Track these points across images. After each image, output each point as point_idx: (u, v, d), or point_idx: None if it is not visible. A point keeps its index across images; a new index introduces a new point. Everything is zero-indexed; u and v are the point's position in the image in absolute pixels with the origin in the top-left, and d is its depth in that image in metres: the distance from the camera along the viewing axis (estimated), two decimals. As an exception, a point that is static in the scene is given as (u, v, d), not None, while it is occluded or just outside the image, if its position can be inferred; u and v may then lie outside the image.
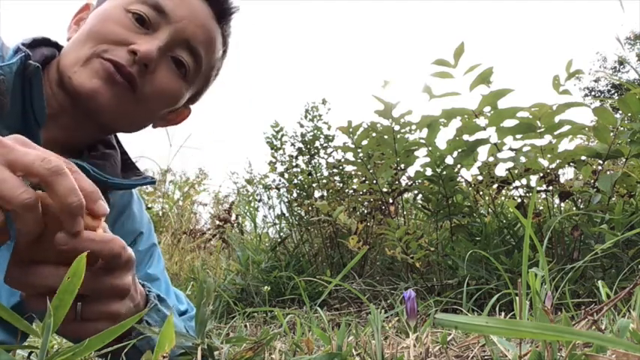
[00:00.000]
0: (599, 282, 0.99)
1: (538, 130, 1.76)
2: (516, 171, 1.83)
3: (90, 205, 0.49)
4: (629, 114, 1.65)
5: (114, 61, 0.73)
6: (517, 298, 0.71)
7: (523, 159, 1.80)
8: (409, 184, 2.17)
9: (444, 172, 1.94)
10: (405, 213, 2.39)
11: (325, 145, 3.10)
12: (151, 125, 0.88)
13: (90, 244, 0.48)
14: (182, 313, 0.89)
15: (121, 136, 0.91)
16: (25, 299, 0.51)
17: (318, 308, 1.28)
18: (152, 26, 0.77)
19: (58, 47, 0.81)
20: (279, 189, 3.04)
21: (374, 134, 2.03)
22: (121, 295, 0.56)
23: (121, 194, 0.89)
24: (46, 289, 0.48)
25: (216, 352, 0.65)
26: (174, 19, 0.77)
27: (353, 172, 2.60)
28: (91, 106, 0.74)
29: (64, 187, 0.46)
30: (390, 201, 2.17)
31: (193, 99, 0.90)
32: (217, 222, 3.41)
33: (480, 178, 1.95)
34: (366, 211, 2.40)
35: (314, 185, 2.82)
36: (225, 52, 0.88)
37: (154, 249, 0.94)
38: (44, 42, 0.79)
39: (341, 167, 2.77)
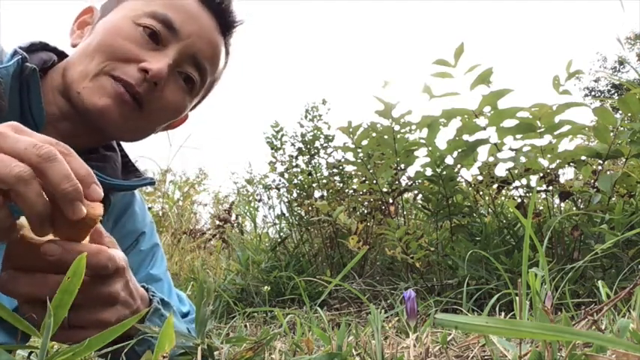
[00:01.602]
0: (599, 282, 0.99)
1: (538, 130, 1.76)
2: (516, 171, 1.83)
3: (83, 190, 0.47)
4: (629, 114, 1.65)
5: (124, 80, 0.73)
6: (517, 298, 0.71)
7: (523, 159, 1.80)
8: (409, 184, 2.17)
9: (444, 172, 1.94)
10: (405, 213, 2.39)
11: (325, 145, 3.11)
12: None
13: (77, 255, 0.45)
14: (184, 315, 0.88)
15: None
16: (20, 307, 0.51)
17: (318, 308, 1.28)
18: (162, 42, 0.77)
19: (56, 52, 0.81)
20: (279, 189, 3.04)
21: (374, 134, 2.03)
22: (109, 303, 0.55)
23: (122, 195, 0.89)
24: (35, 297, 0.48)
25: (216, 352, 0.65)
26: (183, 36, 0.77)
27: (353, 172, 2.60)
28: (99, 123, 0.75)
29: (56, 173, 0.44)
30: (390, 201, 2.17)
31: (192, 107, 0.92)
32: (217, 222, 3.41)
33: (480, 178, 1.95)
34: (366, 211, 2.40)
35: (314, 185, 2.82)
36: (226, 63, 0.89)
37: (157, 249, 0.94)
38: (42, 46, 0.79)
39: (341, 167, 2.77)
